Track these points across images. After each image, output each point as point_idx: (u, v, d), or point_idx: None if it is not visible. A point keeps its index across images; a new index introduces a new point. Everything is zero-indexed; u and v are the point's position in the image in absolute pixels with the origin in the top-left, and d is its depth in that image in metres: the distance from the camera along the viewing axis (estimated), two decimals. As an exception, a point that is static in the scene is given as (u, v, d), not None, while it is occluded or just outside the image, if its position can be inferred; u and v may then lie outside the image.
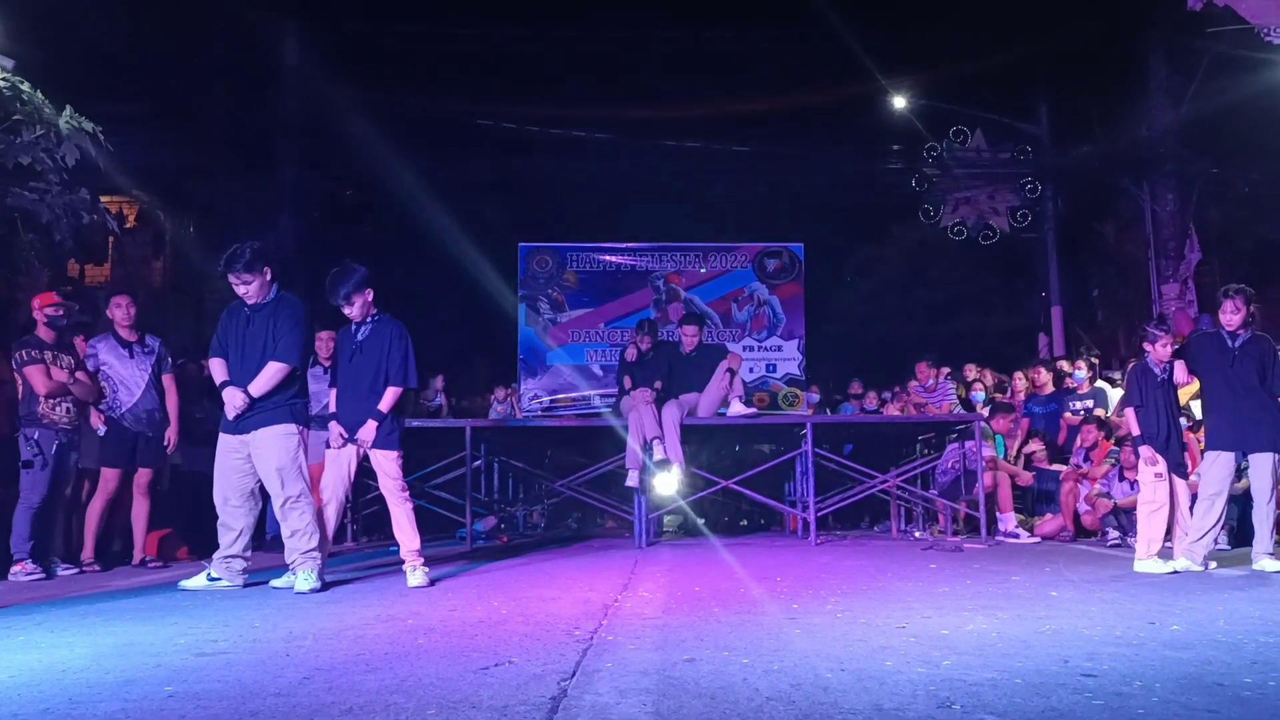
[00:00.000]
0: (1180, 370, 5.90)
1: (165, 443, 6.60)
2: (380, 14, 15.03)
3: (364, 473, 5.74)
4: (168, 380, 6.68)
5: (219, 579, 5.10)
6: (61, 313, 6.21)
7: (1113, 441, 8.07)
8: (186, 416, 6.89)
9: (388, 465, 5.31)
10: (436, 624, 3.78)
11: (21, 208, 6.53)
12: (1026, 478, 8.67)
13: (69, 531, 6.50)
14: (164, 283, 13.40)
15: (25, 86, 6.42)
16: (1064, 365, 10.02)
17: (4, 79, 6.31)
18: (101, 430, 6.35)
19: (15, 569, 5.79)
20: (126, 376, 6.49)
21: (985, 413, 9.08)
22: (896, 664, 2.88)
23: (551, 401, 11.28)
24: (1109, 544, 7.45)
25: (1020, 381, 10.02)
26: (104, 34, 10.17)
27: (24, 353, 6.06)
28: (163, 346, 6.72)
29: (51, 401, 6.06)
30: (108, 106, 7.72)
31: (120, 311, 6.54)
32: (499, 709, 2.39)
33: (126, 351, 6.52)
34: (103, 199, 7.83)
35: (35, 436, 5.99)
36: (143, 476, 6.53)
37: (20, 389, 6.13)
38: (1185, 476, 5.89)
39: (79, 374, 6.22)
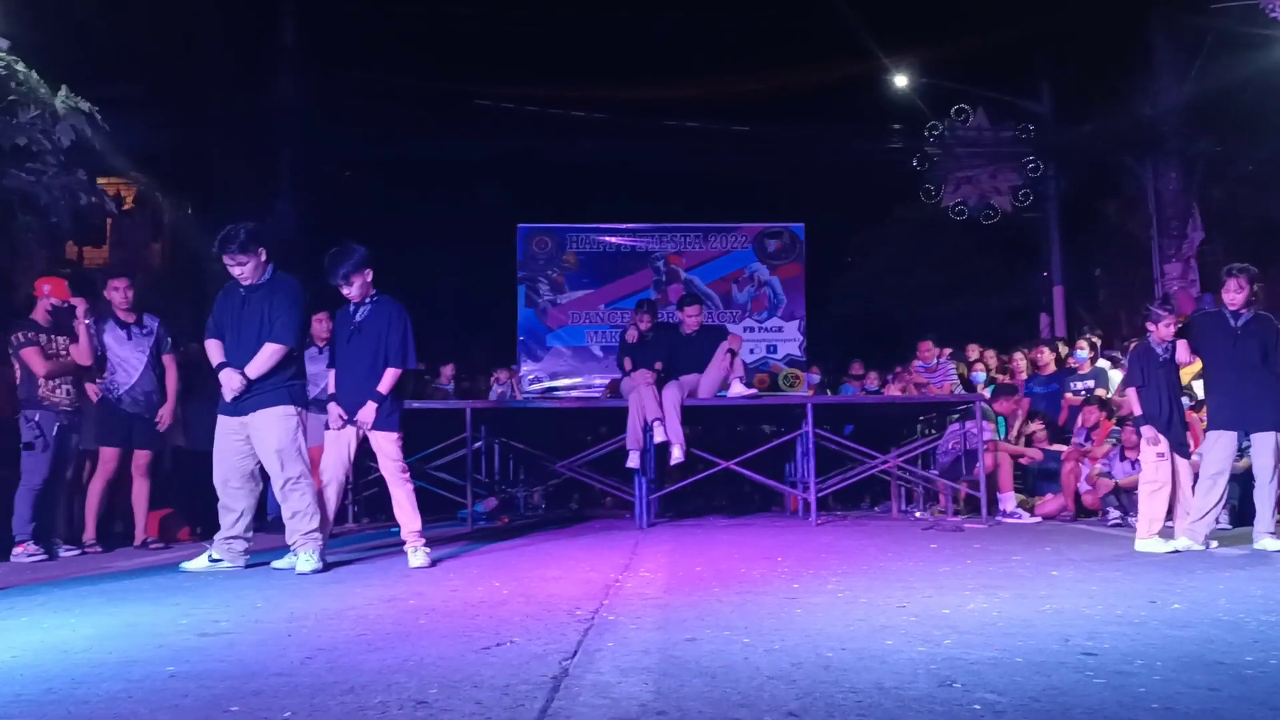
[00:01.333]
0: (1182, 350, 5.88)
1: (157, 420, 6.56)
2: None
3: (365, 454, 5.74)
4: (168, 360, 6.67)
5: (220, 560, 5.11)
6: (68, 305, 6.21)
7: (1114, 421, 8.06)
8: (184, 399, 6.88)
9: (388, 447, 5.30)
10: (438, 604, 3.78)
11: (18, 189, 6.51)
12: (1035, 454, 8.64)
13: (71, 513, 6.51)
14: (163, 265, 13.37)
15: (21, 67, 6.39)
16: (1064, 347, 10.00)
17: (-1, 59, 6.28)
18: (96, 397, 6.34)
19: (17, 550, 5.80)
20: (125, 357, 6.47)
21: (987, 394, 9.08)
22: (897, 643, 2.88)
23: (551, 385, 11.28)
24: (1110, 524, 7.46)
25: (1021, 361, 10.00)
26: (100, 14, 10.10)
27: (20, 335, 6.06)
28: (162, 327, 6.70)
29: (52, 383, 6.07)
30: (104, 88, 7.67)
31: (119, 294, 6.52)
32: (501, 688, 2.39)
33: (125, 333, 6.50)
34: (100, 180, 7.80)
35: (36, 418, 6.00)
36: (141, 458, 6.52)
37: (18, 372, 6.13)
38: (1188, 456, 5.88)
39: (73, 346, 6.20)
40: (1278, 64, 10.66)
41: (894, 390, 10.53)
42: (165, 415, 6.60)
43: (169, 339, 6.74)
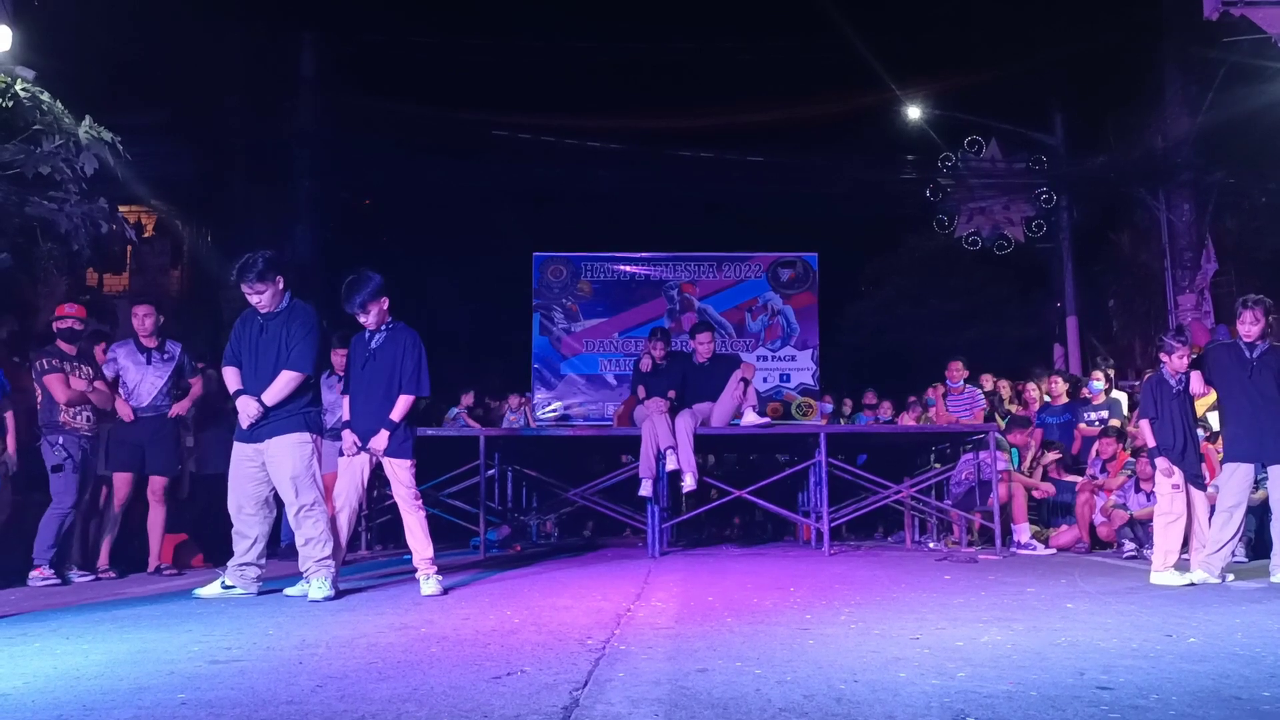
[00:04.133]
0: (1196, 381, 5.86)
1: (170, 414, 6.61)
2: (396, 25, 15.17)
3: (378, 481, 5.74)
4: (194, 382, 6.76)
5: (233, 587, 5.12)
6: (69, 325, 6.26)
7: (1130, 452, 8.01)
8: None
9: (401, 474, 5.31)
10: (449, 632, 3.78)
11: (41, 217, 6.59)
12: (1048, 489, 8.58)
13: (86, 538, 6.55)
14: (182, 292, 13.49)
15: (45, 96, 6.49)
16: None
17: (24, 89, 6.39)
18: (129, 418, 6.40)
19: (34, 574, 5.83)
20: (140, 382, 6.54)
21: (1001, 424, 9.02)
22: (910, 675, 2.87)
23: (565, 411, 11.30)
24: (1125, 556, 7.40)
25: (1033, 391, 9.92)
26: (122, 45, 10.28)
27: (43, 361, 6.14)
28: (184, 353, 6.77)
29: (73, 410, 6.13)
30: (126, 117, 7.80)
31: (137, 320, 6.61)
32: (511, 718, 2.39)
33: (144, 358, 6.57)
34: (121, 208, 7.90)
35: (60, 441, 6.05)
36: (157, 484, 6.55)
37: (39, 398, 6.19)
38: (1203, 488, 5.84)
39: (97, 383, 6.28)
40: (1291, 96, 10.68)
41: (907, 419, 10.49)
42: (176, 409, 6.64)
43: (191, 365, 6.82)
